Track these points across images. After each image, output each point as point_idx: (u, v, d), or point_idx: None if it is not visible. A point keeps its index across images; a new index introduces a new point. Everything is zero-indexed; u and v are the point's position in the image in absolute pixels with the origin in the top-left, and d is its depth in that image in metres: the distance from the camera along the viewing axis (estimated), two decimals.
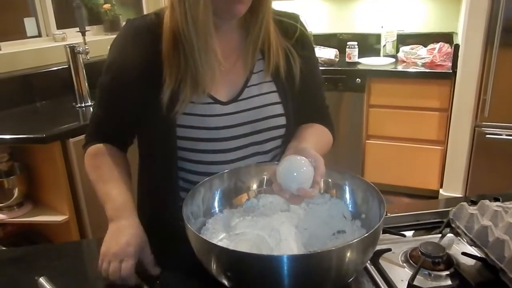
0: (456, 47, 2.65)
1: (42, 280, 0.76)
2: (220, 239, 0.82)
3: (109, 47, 0.96)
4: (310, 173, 0.77)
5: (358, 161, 3.13)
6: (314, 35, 3.43)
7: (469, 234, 0.83)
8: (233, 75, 0.96)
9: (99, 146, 1.00)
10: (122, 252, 0.81)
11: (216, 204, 0.90)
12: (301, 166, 0.78)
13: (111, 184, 0.94)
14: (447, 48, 2.96)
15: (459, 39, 2.79)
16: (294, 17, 1.02)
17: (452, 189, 2.86)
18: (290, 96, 1.00)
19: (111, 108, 0.98)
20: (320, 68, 1.18)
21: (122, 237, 0.83)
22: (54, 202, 2.03)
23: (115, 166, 0.98)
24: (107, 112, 0.99)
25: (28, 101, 2.36)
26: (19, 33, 2.66)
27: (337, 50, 3.17)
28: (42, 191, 2.07)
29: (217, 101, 0.94)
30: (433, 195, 2.99)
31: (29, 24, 2.73)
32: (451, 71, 2.71)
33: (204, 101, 0.93)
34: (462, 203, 0.90)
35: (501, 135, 2.60)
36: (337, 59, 3.15)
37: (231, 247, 0.75)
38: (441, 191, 2.95)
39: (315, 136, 0.99)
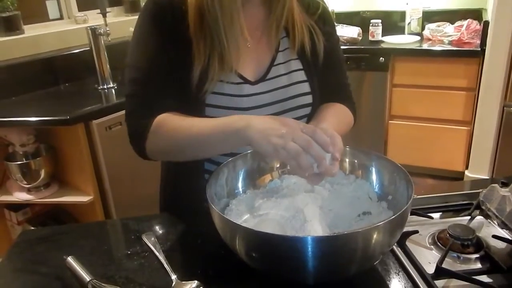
0: (486, 24, 2.55)
1: (70, 259, 0.77)
2: (244, 220, 0.81)
3: (132, 29, 0.94)
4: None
5: (381, 141, 3.08)
6: (337, 13, 3.35)
7: (500, 217, 0.81)
8: (259, 53, 0.95)
9: (157, 119, 0.88)
10: (288, 121, 0.74)
11: (239, 184, 0.89)
12: None
13: (203, 120, 0.85)
14: (475, 25, 2.86)
15: (488, 16, 2.68)
16: None
17: (478, 170, 2.79)
18: (315, 74, 0.98)
19: (151, 84, 0.90)
20: (343, 47, 1.16)
21: (274, 119, 0.75)
22: (79, 182, 2.07)
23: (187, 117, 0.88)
24: (151, 87, 0.90)
25: (51, 83, 2.39)
26: (41, 16, 2.67)
27: (360, 28, 3.09)
28: (68, 172, 2.12)
29: (246, 81, 0.92)
30: (458, 176, 2.93)
31: (51, 6, 2.74)
32: (479, 49, 2.61)
33: (234, 80, 0.91)
34: (493, 184, 0.87)
35: None
36: (360, 38, 3.07)
37: (255, 228, 0.75)
38: (466, 172, 2.88)
39: (335, 117, 0.97)
